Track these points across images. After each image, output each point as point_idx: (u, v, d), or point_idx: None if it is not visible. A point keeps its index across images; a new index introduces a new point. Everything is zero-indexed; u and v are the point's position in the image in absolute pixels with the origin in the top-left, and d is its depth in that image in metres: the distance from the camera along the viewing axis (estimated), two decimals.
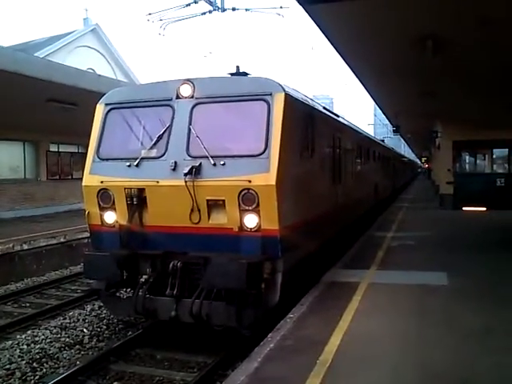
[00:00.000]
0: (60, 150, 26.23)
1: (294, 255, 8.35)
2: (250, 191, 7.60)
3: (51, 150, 25.58)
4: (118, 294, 9.15)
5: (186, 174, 7.77)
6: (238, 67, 9.33)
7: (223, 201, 7.78)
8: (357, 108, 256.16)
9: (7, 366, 7.91)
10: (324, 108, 12.27)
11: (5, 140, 22.80)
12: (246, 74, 9.19)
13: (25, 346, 8.73)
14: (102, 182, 8.48)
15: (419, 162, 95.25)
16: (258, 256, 7.62)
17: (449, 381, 5.35)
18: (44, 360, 8.19)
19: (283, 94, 7.99)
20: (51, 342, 8.95)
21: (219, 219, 7.89)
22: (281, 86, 8.14)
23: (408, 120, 26.26)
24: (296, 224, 8.40)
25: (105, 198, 8.53)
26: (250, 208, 7.64)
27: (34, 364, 8.03)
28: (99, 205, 8.59)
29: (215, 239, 7.87)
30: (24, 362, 8.10)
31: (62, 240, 16.30)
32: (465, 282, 9.58)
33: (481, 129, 22.55)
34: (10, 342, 9.01)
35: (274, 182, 7.48)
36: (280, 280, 7.78)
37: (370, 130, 72.65)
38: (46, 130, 23.25)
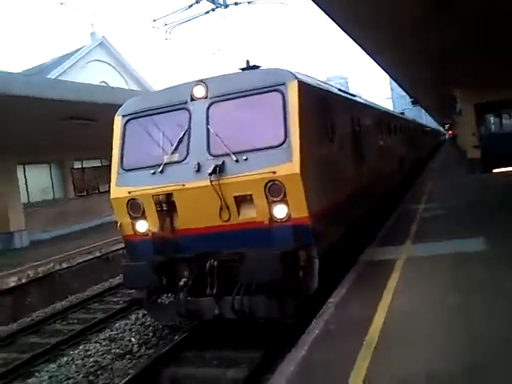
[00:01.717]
0: (84, 166, 26.62)
1: (327, 239, 8.37)
2: (276, 182, 7.63)
3: (75, 167, 25.97)
4: (159, 301, 9.27)
5: (210, 174, 7.83)
6: (247, 61, 9.30)
7: (250, 195, 7.83)
8: (372, 84, 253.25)
9: (65, 382, 8.17)
10: (339, 90, 12.21)
11: (33, 164, 23.29)
12: (257, 67, 9.18)
13: (79, 361, 9.02)
14: (129, 192, 8.58)
15: (442, 130, 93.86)
16: (291, 245, 7.65)
17: (498, 348, 5.28)
18: (99, 372, 8.44)
19: (296, 82, 7.97)
20: (103, 354, 9.21)
21: (249, 214, 7.94)
22: (293, 74, 8.13)
23: (426, 89, 25.88)
24: (325, 208, 8.41)
25: (134, 207, 8.63)
26: (278, 199, 7.68)
27: (91, 377, 8.30)
28: (130, 215, 8.70)
29: (247, 234, 7.92)
30: (81, 376, 8.38)
31: (97, 254, 16.59)
32: (503, 245, 9.35)
33: (502, 88, 21.97)
34: (65, 358, 9.32)
35: (298, 171, 7.51)
36: (317, 266, 7.80)
37: (388, 104, 71.94)
38: (68, 149, 23.61)
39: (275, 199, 7.70)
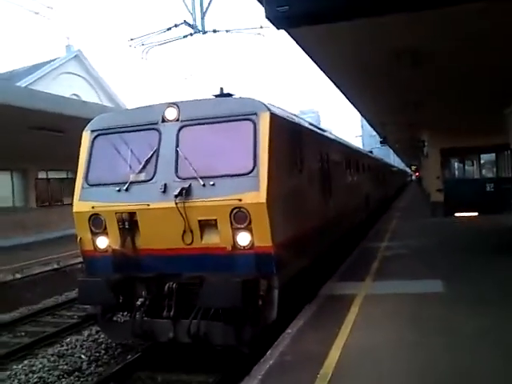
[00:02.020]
0: (49, 177, 26.14)
1: (288, 270, 8.37)
2: (241, 210, 7.63)
3: (40, 177, 25.49)
4: (114, 319, 9.10)
5: (176, 196, 7.80)
6: (221, 89, 9.39)
7: (215, 220, 7.80)
8: (344, 120, 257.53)
9: None
10: (310, 124, 12.38)
11: None
12: (230, 95, 9.26)
13: (23, 376, 8.63)
14: (92, 207, 8.48)
15: (409, 171, 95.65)
16: (252, 274, 7.63)
17: None
18: None
19: (268, 113, 8.06)
20: (49, 370, 8.85)
21: (212, 239, 7.90)
22: (265, 105, 8.23)
23: (395, 130, 26.46)
24: (289, 239, 8.42)
25: (96, 223, 8.52)
26: (242, 226, 7.67)
27: None
28: (91, 230, 8.57)
29: (209, 259, 7.87)
30: None
31: (55, 266, 16.20)
32: (460, 287, 9.62)
33: (467, 135, 22.65)
34: (8, 372, 8.90)
35: (264, 200, 7.53)
36: (276, 296, 7.77)
37: (358, 142, 73.09)
38: (33, 158, 23.17)
39: (239, 226, 7.69)
